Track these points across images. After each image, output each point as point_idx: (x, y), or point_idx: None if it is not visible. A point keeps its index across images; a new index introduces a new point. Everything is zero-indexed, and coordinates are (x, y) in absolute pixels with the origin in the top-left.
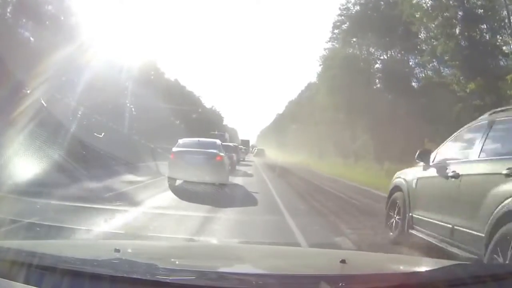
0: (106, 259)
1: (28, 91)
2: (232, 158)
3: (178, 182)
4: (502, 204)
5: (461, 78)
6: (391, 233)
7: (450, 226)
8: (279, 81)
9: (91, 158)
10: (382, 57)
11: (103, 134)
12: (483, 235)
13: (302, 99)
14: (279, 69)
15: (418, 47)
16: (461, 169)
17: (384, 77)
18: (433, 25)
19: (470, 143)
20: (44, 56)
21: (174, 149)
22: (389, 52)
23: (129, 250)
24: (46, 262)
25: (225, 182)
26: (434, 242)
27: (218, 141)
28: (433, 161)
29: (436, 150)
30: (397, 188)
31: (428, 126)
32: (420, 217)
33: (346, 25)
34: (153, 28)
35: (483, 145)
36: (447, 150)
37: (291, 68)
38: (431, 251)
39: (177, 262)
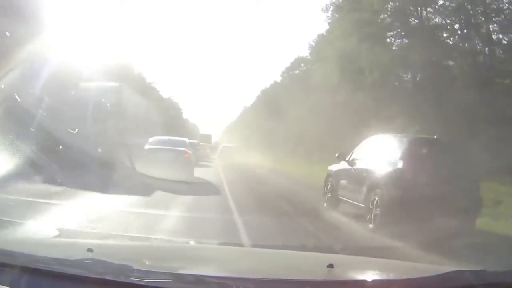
0: (79, 259)
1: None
2: None
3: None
4: (368, 184)
5: None
6: (325, 204)
7: (352, 194)
8: (248, 72)
9: (64, 154)
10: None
11: (76, 130)
12: (363, 200)
13: (276, 88)
14: (248, 59)
15: None
16: (356, 165)
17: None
18: None
19: (361, 150)
20: (18, 50)
21: (146, 146)
22: None
23: (103, 250)
24: (16, 261)
25: (190, 179)
26: (348, 202)
27: (186, 140)
28: (346, 160)
29: (350, 153)
30: (328, 175)
31: None
32: (340, 191)
33: None
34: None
35: (365, 152)
36: (353, 154)
37: (260, 58)
38: (351, 213)
39: (152, 264)
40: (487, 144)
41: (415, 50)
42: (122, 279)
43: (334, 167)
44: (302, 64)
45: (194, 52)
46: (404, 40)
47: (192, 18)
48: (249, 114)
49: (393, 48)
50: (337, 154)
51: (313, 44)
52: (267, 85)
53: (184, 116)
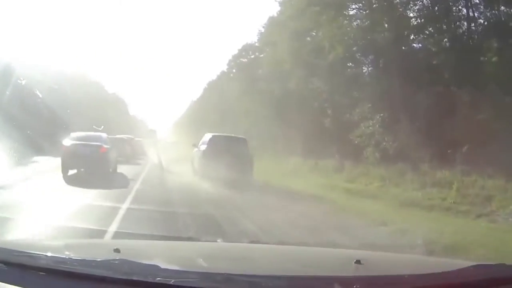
0: (105, 259)
1: None
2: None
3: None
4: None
5: None
6: (194, 175)
7: (196, 167)
8: (197, 65)
9: None
10: None
11: None
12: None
13: (223, 80)
14: (198, 51)
15: None
16: (197, 148)
17: None
18: None
19: (200, 141)
20: None
21: (64, 142)
22: None
23: (129, 250)
24: (41, 263)
25: (107, 172)
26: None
27: (104, 135)
28: (197, 146)
29: (198, 143)
30: (192, 156)
31: None
32: (196, 166)
33: None
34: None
35: (201, 142)
36: (199, 143)
37: (210, 50)
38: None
39: (180, 263)
40: None
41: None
42: (149, 279)
43: (195, 151)
44: (250, 52)
45: (141, 47)
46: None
47: (134, 11)
48: (195, 108)
49: (356, 23)
50: (193, 143)
51: (263, 29)
52: (215, 77)
53: (132, 112)
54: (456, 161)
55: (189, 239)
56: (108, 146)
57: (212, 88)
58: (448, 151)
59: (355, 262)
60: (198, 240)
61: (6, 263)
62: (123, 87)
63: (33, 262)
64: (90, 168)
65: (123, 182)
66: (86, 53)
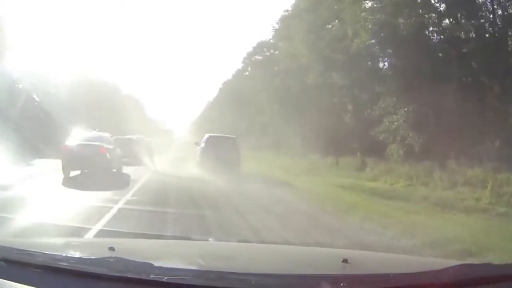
0: (101, 257)
1: None
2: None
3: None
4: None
5: None
6: (196, 167)
7: (197, 160)
8: (213, 65)
9: None
10: None
11: None
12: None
13: (238, 78)
14: (213, 51)
15: None
16: (200, 146)
17: None
18: None
19: (202, 140)
20: None
21: (66, 142)
22: None
23: (124, 249)
24: (39, 261)
25: (110, 172)
26: (201, 167)
27: (105, 134)
28: (199, 144)
29: (201, 141)
30: (196, 152)
31: None
32: (197, 159)
33: None
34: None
35: (203, 140)
36: (201, 142)
37: (226, 50)
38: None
39: (173, 261)
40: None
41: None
42: (143, 276)
43: (198, 148)
44: (265, 49)
45: (158, 49)
46: None
47: (150, 11)
48: (212, 108)
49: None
50: (195, 142)
51: (277, 25)
52: (230, 77)
53: (149, 113)
54: (485, 158)
55: (182, 238)
56: (109, 146)
57: (228, 87)
58: (478, 146)
59: (342, 261)
60: (191, 239)
61: (6, 261)
62: (139, 88)
63: (32, 259)
64: (90, 168)
65: (122, 183)
66: (98, 54)
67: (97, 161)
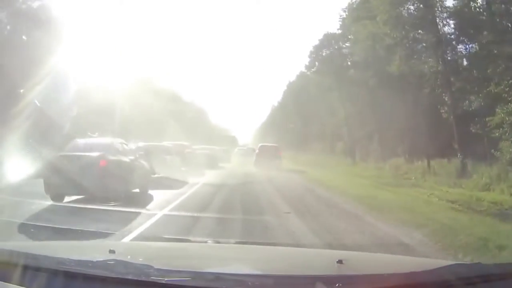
0: (101, 260)
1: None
2: None
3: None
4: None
5: None
6: (253, 166)
7: (253, 162)
8: (276, 69)
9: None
10: None
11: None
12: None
13: (303, 78)
14: (274, 54)
15: None
16: (255, 151)
17: None
18: None
19: (257, 147)
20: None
21: (55, 154)
22: None
23: (124, 251)
24: (40, 264)
25: (118, 197)
26: (255, 167)
27: (113, 141)
28: (255, 150)
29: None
30: (254, 156)
31: None
32: (253, 161)
33: None
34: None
35: (257, 148)
36: (256, 149)
37: (285, 54)
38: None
39: (172, 263)
40: None
41: None
42: (143, 278)
43: (254, 153)
44: (333, 41)
45: (221, 55)
46: None
47: (210, 17)
48: (277, 113)
49: None
50: (252, 149)
51: (344, 13)
52: (294, 78)
53: (214, 121)
54: None
55: (180, 240)
56: (115, 158)
57: (292, 89)
58: None
59: (337, 262)
60: (189, 241)
61: (8, 264)
62: (202, 96)
63: (34, 262)
64: (82, 191)
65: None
66: (161, 61)
67: (93, 180)
